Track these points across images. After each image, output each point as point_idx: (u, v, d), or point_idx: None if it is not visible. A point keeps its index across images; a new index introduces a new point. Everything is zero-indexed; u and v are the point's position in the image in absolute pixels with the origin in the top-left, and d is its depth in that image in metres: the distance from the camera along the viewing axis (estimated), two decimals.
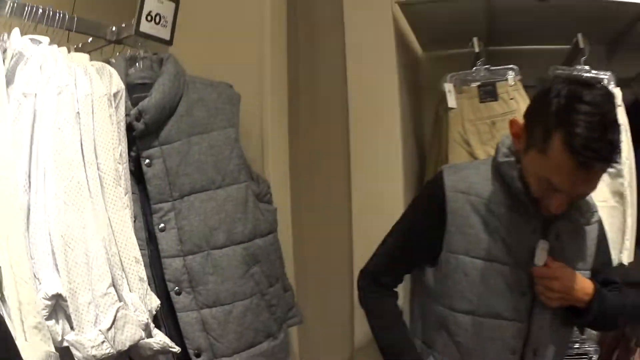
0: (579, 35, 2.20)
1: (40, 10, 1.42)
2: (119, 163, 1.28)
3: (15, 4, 1.38)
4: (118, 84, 1.34)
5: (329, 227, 2.11)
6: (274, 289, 1.59)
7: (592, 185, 1.28)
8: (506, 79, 2.21)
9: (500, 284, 1.41)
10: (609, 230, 1.64)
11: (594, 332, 2.36)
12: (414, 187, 2.20)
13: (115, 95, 1.32)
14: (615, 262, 1.82)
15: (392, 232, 1.58)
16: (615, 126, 1.23)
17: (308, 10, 2.20)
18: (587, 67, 2.17)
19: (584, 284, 1.41)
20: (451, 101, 2.18)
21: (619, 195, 2.13)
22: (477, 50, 2.23)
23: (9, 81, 1.20)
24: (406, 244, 1.55)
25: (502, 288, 1.41)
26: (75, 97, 1.23)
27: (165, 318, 1.39)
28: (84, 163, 1.21)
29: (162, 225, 1.40)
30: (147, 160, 1.40)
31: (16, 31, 1.28)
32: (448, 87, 2.20)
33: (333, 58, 2.13)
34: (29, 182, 1.13)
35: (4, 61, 1.21)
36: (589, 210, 1.43)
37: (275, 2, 2.02)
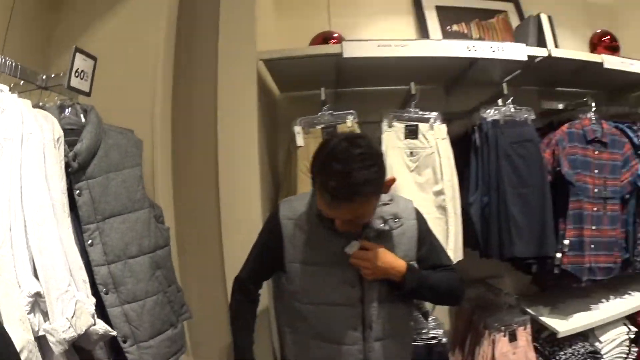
0: (412, 84, 2.63)
1: None
2: (63, 193, 1.58)
3: None
4: (59, 131, 1.63)
5: (205, 243, 2.41)
6: (171, 288, 1.98)
7: (356, 214, 1.65)
8: (345, 122, 2.56)
9: (331, 280, 1.81)
10: (437, 236, 2.03)
11: (442, 320, 2.86)
12: (270, 210, 2.42)
13: (58, 139, 1.61)
14: None
15: (252, 250, 1.99)
16: (361, 176, 1.55)
17: (189, 63, 2.49)
18: (416, 110, 2.63)
19: (395, 263, 1.78)
20: (299, 140, 2.53)
21: (442, 208, 2.56)
22: (322, 98, 2.57)
23: None
24: (260, 258, 1.98)
25: (334, 283, 1.81)
26: (36, 141, 1.51)
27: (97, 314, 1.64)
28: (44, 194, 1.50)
29: (90, 241, 1.70)
30: (78, 191, 1.71)
31: None
32: (297, 129, 2.54)
33: (207, 104, 2.43)
34: (10, 209, 1.40)
35: None
36: (393, 219, 1.81)
37: (165, 65, 2.31)
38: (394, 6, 3.52)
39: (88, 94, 1.91)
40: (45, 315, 1.40)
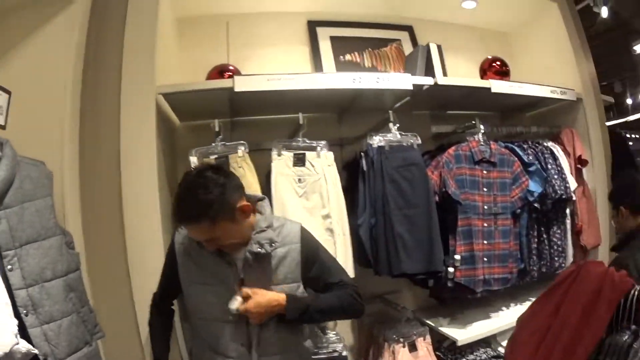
0: (300, 114, 2.78)
1: None
2: None
3: None
4: None
5: (113, 266, 2.49)
6: (84, 309, 2.11)
7: (206, 236, 1.83)
8: (237, 152, 2.68)
9: (216, 298, 1.92)
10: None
11: (341, 335, 2.96)
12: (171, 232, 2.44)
13: None
14: None
15: (162, 272, 2.13)
16: (192, 203, 1.76)
17: (95, 97, 2.57)
18: (304, 139, 2.78)
19: (275, 299, 1.89)
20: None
21: (330, 231, 2.70)
22: (216, 129, 2.69)
23: None
24: (164, 277, 2.13)
25: (219, 301, 1.90)
26: None
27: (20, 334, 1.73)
28: None
29: (10, 266, 1.80)
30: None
31: None
32: (192, 159, 2.65)
33: (112, 135, 2.54)
34: None
35: None
36: (269, 243, 1.90)
37: (73, 99, 2.42)
38: (291, 37, 3.70)
39: (3, 128, 2.03)
40: None
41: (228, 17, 3.56)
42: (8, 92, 2.05)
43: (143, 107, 2.58)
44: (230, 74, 3.06)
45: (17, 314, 1.76)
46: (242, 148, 2.70)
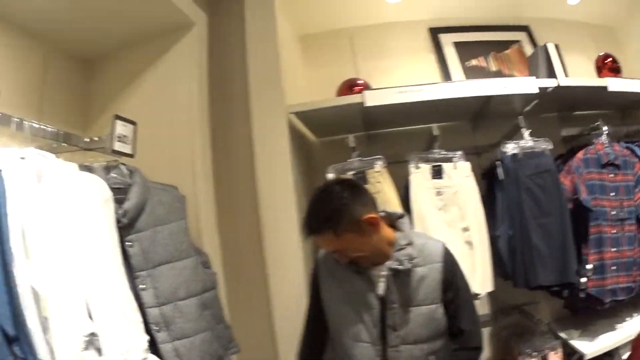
0: (433, 126, 2.75)
1: (27, 123, 1.84)
2: (115, 246, 1.80)
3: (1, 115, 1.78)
4: (108, 191, 1.85)
5: (252, 283, 2.56)
6: (219, 326, 2.17)
7: (333, 247, 1.83)
8: (374, 167, 2.65)
9: (354, 317, 1.89)
10: (465, 269, 2.00)
11: None
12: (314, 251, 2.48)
13: (107, 199, 1.84)
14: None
15: (307, 306, 2.09)
16: (314, 214, 1.81)
17: (224, 119, 2.68)
18: (440, 150, 2.73)
19: None
20: None
21: (469, 244, 2.62)
22: (351, 145, 2.70)
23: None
24: (310, 297, 2.09)
25: (356, 320, 1.89)
26: (86, 201, 1.72)
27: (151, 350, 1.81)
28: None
29: (142, 286, 1.89)
30: (129, 243, 1.91)
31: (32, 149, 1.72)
32: (330, 176, 2.63)
33: (244, 157, 2.62)
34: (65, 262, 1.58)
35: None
36: (408, 259, 1.85)
37: (201, 123, 2.52)
38: (415, 46, 3.68)
39: (131, 156, 2.13)
40: (100, 352, 1.56)
41: (350, 30, 3.61)
42: (133, 123, 2.13)
43: (275, 127, 2.64)
44: (361, 87, 3.07)
45: (148, 330, 1.84)
46: (380, 163, 2.68)
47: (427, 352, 1.86)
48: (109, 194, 1.87)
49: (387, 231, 1.91)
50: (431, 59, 3.66)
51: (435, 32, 3.71)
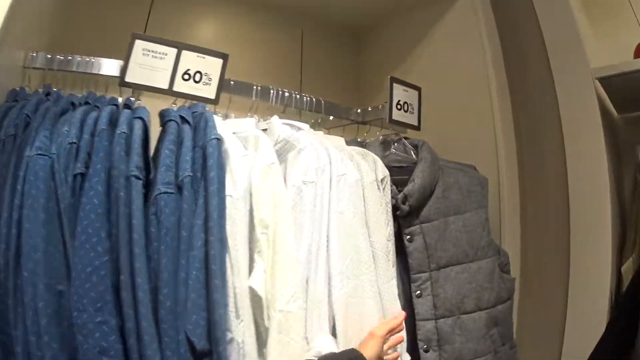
0: None
1: (287, 94, 1.63)
2: (388, 240, 1.45)
3: (260, 88, 1.58)
4: (384, 170, 1.51)
5: (548, 293, 2.12)
6: (504, 347, 1.70)
7: None
8: None
9: None
10: None
11: None
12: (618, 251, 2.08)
13: (382, 180, 1.49)
14: None
15: None
16: None
17: (522, 88, 2.26)
18: None
19: None
20: None
21: None
22: None
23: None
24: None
25: None
26: (349, 184, 1.39)
27: None
28: (361, 242, 1.37)
29: (418, 292, 1.53)
30: (409, 237, 1.56)
31: (276, 119, 1.46)
32: None
33: (550, 134, 2.18)
34: (309, 259, 1.27)
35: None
36: None
37: (499, 91, 2.15)
38: None
39: (417, 128, 1.79)
40: None
41: None
42: (416, 89, 1.81)
43: (582, 96, 2.16)
44: None
45: (414, 347, 1.49)
46: None
47: None
48: (384, 174, 1.51)
49: None
50: None
51: None
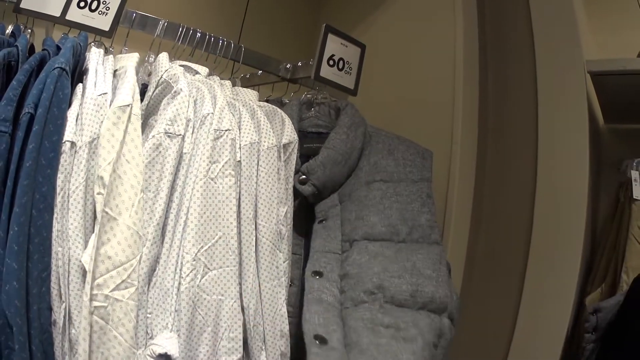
0: None
1: (199, 34, 1.37)
2: (282, 225, 1.13)
3: (166, 23, 1.34)
4: (290, 135, 1.20)
5: (492, 324, 1.86)
6: None
7: None
8: None
9: None
10: None
11: None
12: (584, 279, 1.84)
13: (285, 146, 1.18)
14: None
15: None
16: None
17: (498, 65, 2.03)
18: None
19: None
20: (637, 191, 1.93)
21: None
22: None
23: (150, 114, 1.10)
24: None
25: None
26: (237, 145, 1.09)
27: None
28: (239, 222, 1.06)
29: (317, 269, 1.18)
30: (322, 219, 1.25)
31: (164, 55, 1.20)
32: (635, 175, 1.95)
33: (523, 124, 1.96)
34: (162, 235, 1.00)
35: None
36: None
37: (467, 66, 1.87)
38: None
39: (353, 92, 1.48)
40: None
41: None
42: (360, 46, 1.49)
43: (569, 91, 1.92)
44: None
45: None
46: None
47: None
48: (289, 139, 1.20)
49: None
50: None
51: None
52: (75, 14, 1.18)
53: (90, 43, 1.19)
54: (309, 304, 1.11)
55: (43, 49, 1.08)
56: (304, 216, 1.27)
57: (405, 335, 1.06)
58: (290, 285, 1.18)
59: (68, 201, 0.93)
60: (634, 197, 1.90)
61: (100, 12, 1.21)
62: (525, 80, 1.95)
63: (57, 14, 1.17)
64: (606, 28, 2.55)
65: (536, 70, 1.93)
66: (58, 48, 1.09)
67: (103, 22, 1.22)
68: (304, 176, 1.23)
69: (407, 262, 1.19)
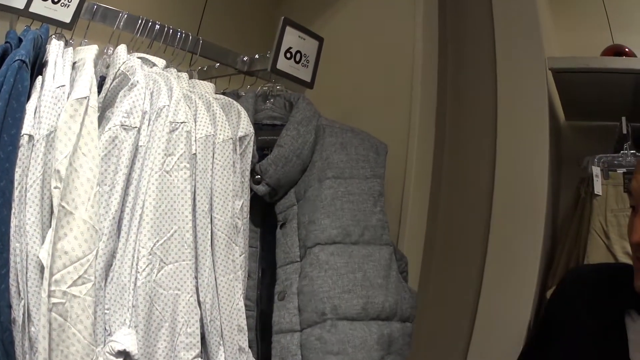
0: None
1: (158, 26, 1.36)
2: (238, 218, 1.14)
3: (126, 16, 1.32)
4: (246, 128, 1.20)
5: (451, 321, 1.87)
6: None
7: None
8: None
9: None
10: None
11: None
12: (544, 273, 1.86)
13: (241, 139, 1.19)
14: None
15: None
16: None
17: (459, 60, 2.03)
18: None
19: None
20: (597, 187, 1.96)
21: None
22: (624, 131, 1.99)
23: (107, 106, 1.09)
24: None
25: None
26: (192, 137, 1.09)
27: None
28: (194, 216, 1.06)
29: (281, 290, 1.22)
30: (281, 222, 1.29)
31: (122, 48, 1.18)
32: (596, 170, 1.97)
33: (482, 119, 1.95)
34: (118, 229, 1.00)
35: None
36: None
37: (426, 61, 1.87)
38: None
39: (309, 85, 1.48)
40: None
41: None
42: (317, 39, 1.49)
43: (529, 86, 1.92)
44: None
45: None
46: None
47: None
48: (244, 132, 1.21)
49: None
50: None
51: None
52: (39, 6, 1.17)
53: (52, 35, 1.17)
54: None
55: (5, 42, 1.07)
56: (260, 209, 1.29)
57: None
58: (248, 278, 1.20)
59: (25, 196, 0.93)
60: (595, 192, 1.93)
61: (62, 4, 1.20)
62: (485, 75, 1.96)
63: (21, 6, 1.16)
64: (570, 27, 2.59)
65: (497, 66, 1.94)
66: (20, 40, 1.08)
67: (65, 14, 1.20)
68: (258, 176, 1.25)
69: (357, 273, 1.24)
